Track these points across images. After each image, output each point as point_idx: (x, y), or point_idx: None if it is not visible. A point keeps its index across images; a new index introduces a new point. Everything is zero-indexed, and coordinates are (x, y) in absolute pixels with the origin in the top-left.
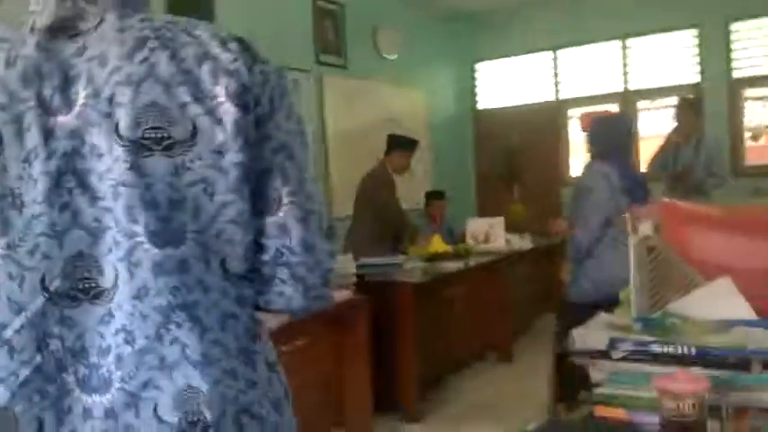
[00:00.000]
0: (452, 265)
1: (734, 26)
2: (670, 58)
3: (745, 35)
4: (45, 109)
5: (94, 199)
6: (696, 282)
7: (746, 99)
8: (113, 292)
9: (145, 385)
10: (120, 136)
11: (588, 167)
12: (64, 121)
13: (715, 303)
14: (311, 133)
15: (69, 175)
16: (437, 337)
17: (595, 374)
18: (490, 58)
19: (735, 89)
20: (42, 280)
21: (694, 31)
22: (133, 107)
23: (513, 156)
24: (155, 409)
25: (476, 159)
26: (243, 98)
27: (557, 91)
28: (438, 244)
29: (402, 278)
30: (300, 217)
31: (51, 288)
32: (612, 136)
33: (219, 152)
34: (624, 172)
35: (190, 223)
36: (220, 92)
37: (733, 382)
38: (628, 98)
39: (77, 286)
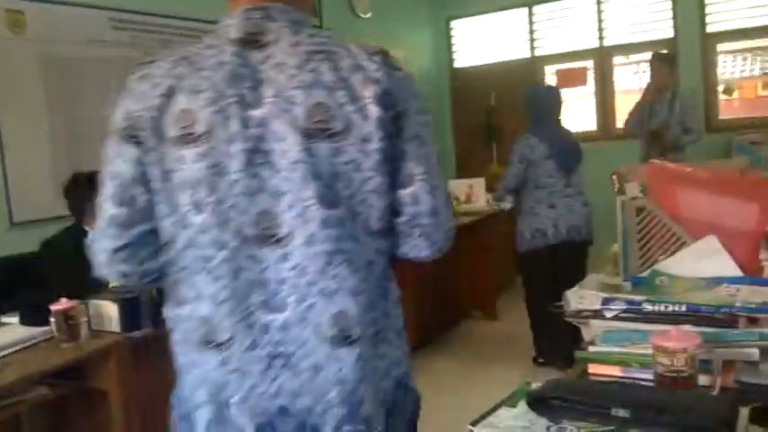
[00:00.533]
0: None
1: None
2: (644, 13)
3: None
4: (242, 104)
5: (277, 171)
6: (684, 240)
7: (720, 53)
8: (290, 240)
9: (311, 307)
10: (296, 126)
11: (518, 140)
12: (255, 113)
13: (702, 261)
14: None
15: (259, 154)
16: (423, 299)
17: (588, 333)
18: (465, 16)
19: (708, 43)
20: (239, 227)
21: None
22: (305, 105)
23: (491, 115)
24: (318, 325)
25: (454, 119)
26: (384, 100)
27: (532, 48)
28: None
29: None
30: (428, 190)
31: (245, 233)
32: (540, 108)
33: (366, 140)
34: (553, 140)
35: (343, 191)
36: (368, 95)
37: (721, 337)
38: (603, 54)
39: (263, 233)
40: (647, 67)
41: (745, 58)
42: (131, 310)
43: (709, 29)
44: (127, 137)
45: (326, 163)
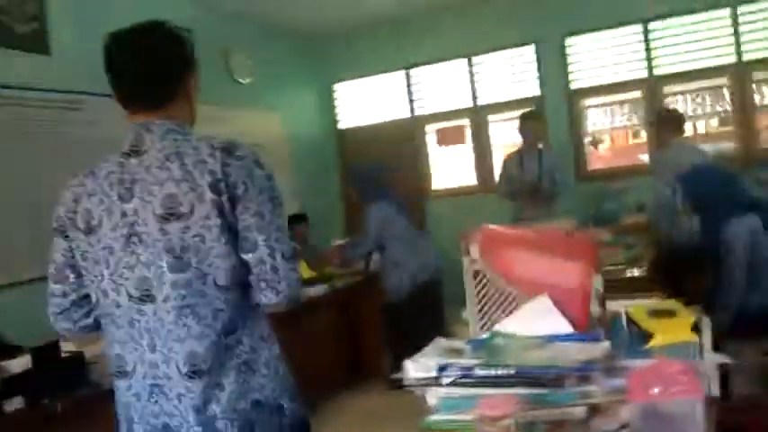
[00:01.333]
0: (317, 290)
1: (569, 41)
2: (513, 73)
3: (580, 48)
4: (121, 200)
5: (146, 247)
6: (519, 301)
7: (588, 107)
8: (154, 298)
9: (170, 350)
10: (154, 213)
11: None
12: (129, 206)
13: (536, 320)
14: None
15: (134, 236)
16: (308, 361)
17: (430, 400)
18: (348, 78)
19: (573, 99)
20: (127, 290)
21: (532, 47)
22: (160, 196)
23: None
24: (176, 363)
25: (341, 179)
26: (217, 187)
27: (412, 108)
28: (303, 270)
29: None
30: (269, 253)
31: (131, 294)
32: (372, 185)
33: (206, 218)
34: (389, 203)
35: (192, 258)
36: (204, 184)
37: (548, 399)
38: (477, 112)
39: (142, 294)
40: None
41: (612, 112)
42: None
43: (574, 85)
44: (57, 232)
45: (177, 238)
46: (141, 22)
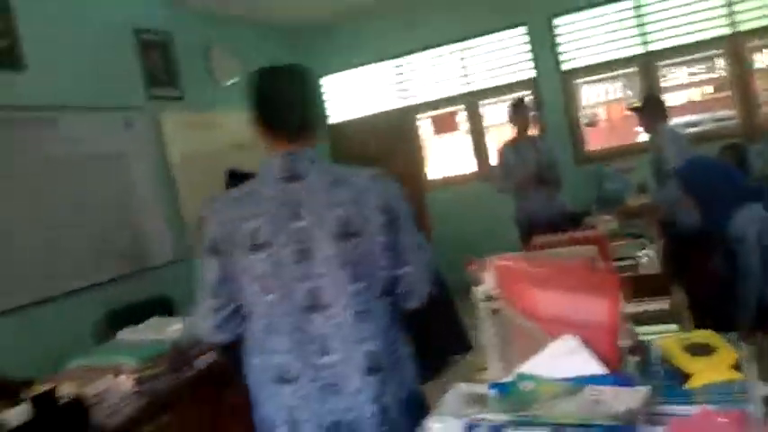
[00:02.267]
0: None
1: (558, 20)
2: (505, 56)
3: (571, 28)
4: (290, 220)
5: (317, 261)
6: (542, 340)
7: (581, 85)
8: (330, 306)
9: (349, 350)
10: (328, 232)
11: None
12: (299, 225)
13: (563, 361)
14: (150, 177)
15: (304, 252)
16: None
17: None
18: (337, 71)
19: (567, 79)
20: (296, 301)
21: (523, 29)
22: (332, 218)
23: (372, 166)
24: (356, 362)
25: None
26: (384, 210)
27: (405, 98)
28: None
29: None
30: (416, 267)
31: (300, 305)
32: None
33: (374, 236)
34: None
35: (363, 271)
36: (372, 207)
37: None
38: (470, 99)
39: (312, 304)
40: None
41: (606, 90)
42: None
43: (566, 66)
44: (211, 251)
45: (351, 254)
46: (281, 64)
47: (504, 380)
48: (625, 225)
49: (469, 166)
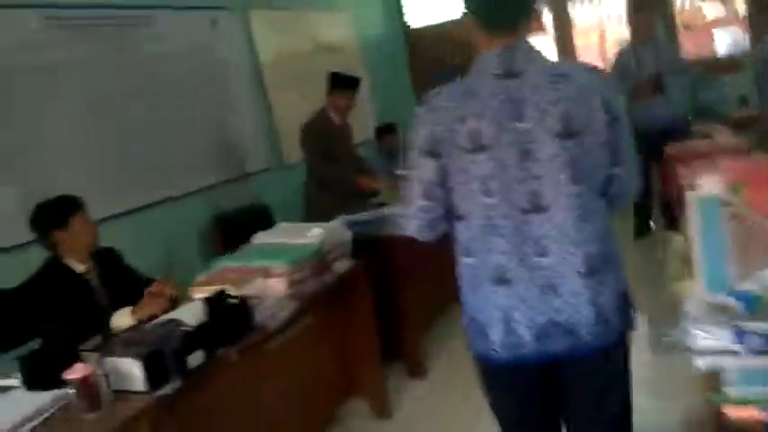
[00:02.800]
0: None
1: None
2: None
3: None
4: (513, 119)
5: (539, 163)
6: None
7: None
8: (549, 208)
9: (567, 252)
10: (550, 131)
11: None
12: (521, 125)
13: None
14: (243, 79)
15: (526, 152)
16: (426, 281)
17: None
18: None
19: None
20: (517, 203)
21: None
22: (556, 115)
23: (455, 76)
24: (573, 264)
25: (415, 84)
26: (605, 107)
27: None
28: None
29: (390, 232)
30: (628, 167)
31: (521, 206)
32: None
33: (597, 136)
34: None
35: (582, 171)
36: (596, 103)
37: None
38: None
39: (532, 205)
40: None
41: None
42: (156, 365)
43: None
44: (427, 153)
45: (574, 153)
46: None
47: (745, 288)
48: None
49: None
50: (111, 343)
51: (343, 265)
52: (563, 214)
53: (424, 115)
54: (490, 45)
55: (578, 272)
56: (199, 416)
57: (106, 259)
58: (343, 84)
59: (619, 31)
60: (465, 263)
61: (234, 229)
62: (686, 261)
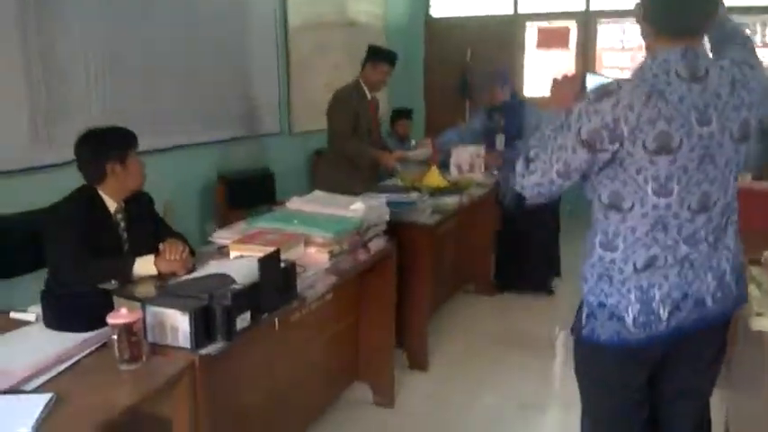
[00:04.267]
0: (452, 201)
1: None
2: None
3: None
4: (699, 125)
5: (715, 167)
6: None
7: None
8: (712, 208)
9: (718, 242)
10: (731, 137)
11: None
12: (705, 130)
13: None
14: (271, 35)
15: (707, 156)
16: (438, 273)
17: None
18: None
19: None
20: (689, 203)
21: None
22: (737, 122)
23: (466, 70)
24: (723, 255)
25: (427, 72)
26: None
27: (515, 3)
28: (436, 178)
29: (421, 219)
30: None
31: (692, 207)
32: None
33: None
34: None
35: (736, 169)
36: (755, 104)
37: None
38: (588, 17)
39: (700, 207)
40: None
41: None
42: (204, 322)
43: None
44: (585, 144)
45: (741, 156)
46: None
47: None
48: None
49: None
50: (158, 291)
51: (377, 245)
52: (719, 211)
53: (599, 107)
54: (669, 45)
55: (721, 255)
56: (234, 379)
57: (139, 203)
58: (382, 57)
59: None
60: (604, 256)
61: (237, 190)
62: None
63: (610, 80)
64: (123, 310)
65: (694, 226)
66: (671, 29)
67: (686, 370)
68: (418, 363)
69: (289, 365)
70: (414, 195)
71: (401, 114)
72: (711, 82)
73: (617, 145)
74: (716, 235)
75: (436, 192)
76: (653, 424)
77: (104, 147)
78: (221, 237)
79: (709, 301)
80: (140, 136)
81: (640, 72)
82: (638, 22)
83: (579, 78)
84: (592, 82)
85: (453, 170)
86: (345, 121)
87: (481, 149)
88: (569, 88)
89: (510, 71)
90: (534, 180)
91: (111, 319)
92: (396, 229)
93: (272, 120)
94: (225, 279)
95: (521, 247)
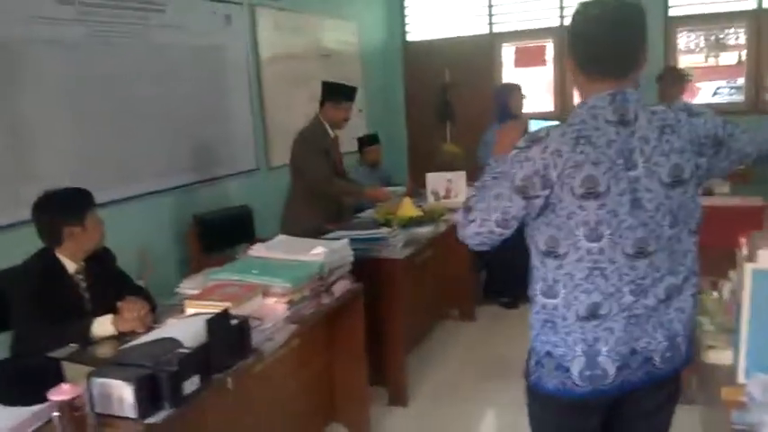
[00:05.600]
0: (426, 231)
1: None
2: None
3: None
4: (625, 169)
5: (645, 211)
6: None
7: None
8: (652, 252)
9: (659, 290)
10: (660, 182)
11: None
12: (632, 174)
13: None
14: (242, 76)
15: (635, 201)
16: (412, 306)
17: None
18: None
19: (669, 27)
20: (623, 249)
21: None
22: (667, 167)
23: (445, 92)
24: (659, 297)
25: (407, 95)
26: (700, 151)
27: (490, 23)
28: (409, 208)
29: (391, 255)
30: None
31: (626, 252)
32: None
33: (693, 179)
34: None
35: (681, 214)
36: (695, 151)
37: None
38: (563, 32)
39: (637, 252)
40: None
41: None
42: (149, 391)
43: (671, 12)
44: (520, 191)
45: (677, 201)
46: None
47: None
48: None
49: (548, 104)
50: (102, 361)
51: (341, 287)
52: (659, 257)
53: (529, 153)
54: (596, 88)
55: (662, 303)
56: None
57: (100, 260)
58: (341, 95)
59: None
60: (546, 303)
61: (213, 231)
62: (722, 328)
63: (546, 125)
64: (65, 386)
65: (635, 273)
66: (596, 71)
67: (637, 416)
68: (398, 398)
69: (255, 419)
70: (384, 230)
71: (368, 141)
72: (640, 126)
73: (548, 191)
74: (668, 292)
75: (410, 223)
76: None
77: (61, 211)
78: (186, 288)
79: (657, 361)
80: (111, 184)
81: (571, 118)
82: (568, 68)
83: (524, 126)
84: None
85: (430, 197)
86: (323, 163)
87: (459, 174)
88: (514, 135)
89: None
90: (473, 230)
91: (53, 396)
92: (365, 265)
93: (248, 156)
94: (173, 344)
95: (508, 258)
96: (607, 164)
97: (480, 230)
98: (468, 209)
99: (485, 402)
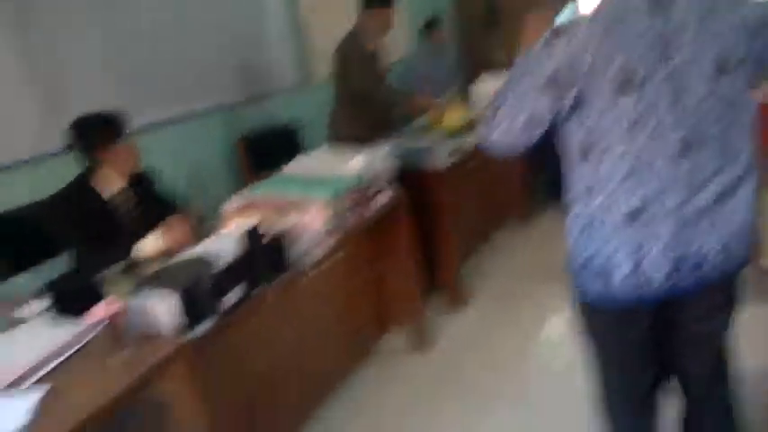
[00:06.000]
0: (472, 139)
1: None
2: None
3: None
4: (663, 58)
5: (687, 106)
6: None
7: None
8: (691, 147)
9: (708, 183)
10: (703, 72)
11: None
12: (673, 62)
13: None
14: None
15: (676, 95)
16: (466, 213)
17: None
18: None
19: None
20: (665, 146)
21: None
22: (710, 55)
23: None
24: (709, 195)
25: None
26: (752, 37)
27: None
28: (456, 117)
29: (434, 165)
30: None
31: (670, 152)
32: None
33: (745, 68)
34: None
35: (730, 108)
36: (743, 36)
37: None
38: None
39: (679, 149)
40: None
41: None
42: (191, 304)
43: None
44: (547, 87)
45: (723, 94)
46: None
47: None
48: None
49: None
50: (140, 280)
51: (384, 197)
52: (706, 154)
53: (555, 47)
54: None
55: (711, 201)
56: (232, 356)
57: (140, 183)
58: (381, 0)
59: None
60: (584, 209)
61: (262, 150)
62: None
63: (574, 16)
64: (103, 304)
65: (679, 173)
66: None
67: (689, 322)
68: (456, 302)
69: (298, 333)
70: (429, 139)
71: (433, 24)
72: (678, 11)
73: (578, 86)
74: (720, 193)
75: (457, 131)
76: (665, 369)
77: (91, 134)
78: (229, 210)
79: (709, 266)
80: (157, 106)
81: (600, 7)
82: None
83: (551, 15)
84: (562, 18)
85: (480, 104)
86: (366, 69)
87: None
88: (542, 26)
89: None
90: (498, 135)
91: (94, 315)
92: (410, 176)
93: (290, 73)
94: (203, 261)
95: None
96: (641, 54)
97: (505, 136)
98: (492, 112)
99: (545, 307)
